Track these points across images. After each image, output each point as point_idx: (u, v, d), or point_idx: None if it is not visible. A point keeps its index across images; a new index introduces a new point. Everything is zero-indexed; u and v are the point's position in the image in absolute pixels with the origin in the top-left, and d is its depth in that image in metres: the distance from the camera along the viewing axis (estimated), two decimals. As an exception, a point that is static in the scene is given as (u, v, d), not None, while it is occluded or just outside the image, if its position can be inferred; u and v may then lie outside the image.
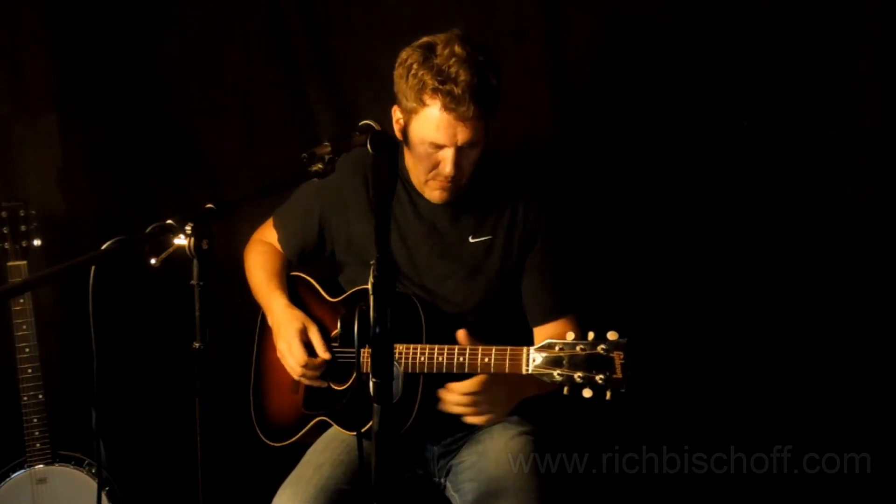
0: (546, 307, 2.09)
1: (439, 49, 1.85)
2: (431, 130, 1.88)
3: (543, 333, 2.07)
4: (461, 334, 1.90)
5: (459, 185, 1.98)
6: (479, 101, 1.83)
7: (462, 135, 1.87)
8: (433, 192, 2.00)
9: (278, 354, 2.17)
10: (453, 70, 1.82)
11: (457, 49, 1.84)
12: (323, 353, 2.11)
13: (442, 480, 2.15)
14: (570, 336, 1.73)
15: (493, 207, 2.08)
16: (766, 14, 2.39)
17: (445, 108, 1.83)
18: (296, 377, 2.15)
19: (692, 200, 2.50)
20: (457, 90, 1.81)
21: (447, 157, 1.90)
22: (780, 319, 2.47)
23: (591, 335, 1.71)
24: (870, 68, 2.33)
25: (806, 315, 2.46)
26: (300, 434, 2.19)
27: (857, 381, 2.41)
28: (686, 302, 2.53)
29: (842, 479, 2.35)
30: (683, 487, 2.45)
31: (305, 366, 2.10)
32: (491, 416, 1.96)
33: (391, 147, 1.57)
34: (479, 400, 1.92)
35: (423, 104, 1.86)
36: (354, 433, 2.04)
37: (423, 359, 1.92)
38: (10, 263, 2.38)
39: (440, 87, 1.82)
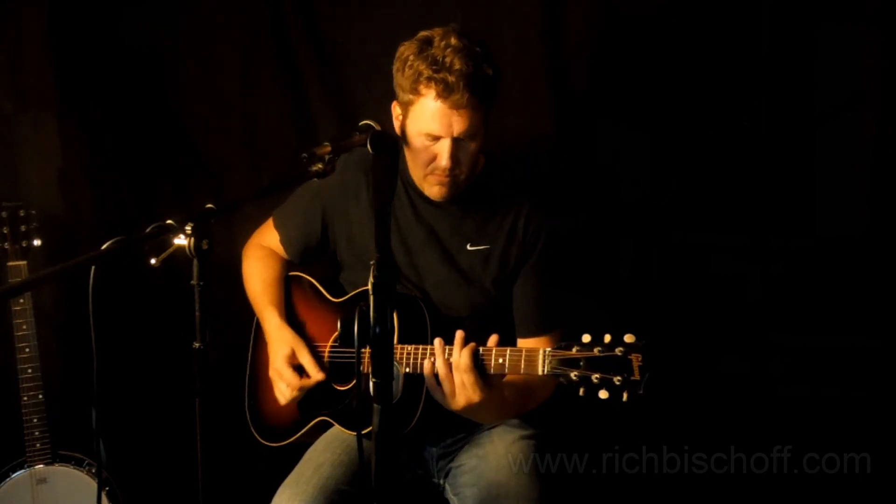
0: (533, 322, 2.06)
1: (436, 41, 1.86)
2: (427, 120, 1.87)
3: (527, 346, 2.02)
4: (493, 340, 1.82)
5: (458, 182, 1.97)
6: (473, 89, 1.82)
7: (457, 125, 1.86)
8: (432, 188, 1.99)
9: (271, 375, 2.17)
10: (448, 59, 1.82)
11: (453, 40, 1.84)
12: (316, 375, 2.10)
13: (441, 482, 2.15)
14: (587, 337, 1.70)
15: (494, 216, 2.06)
16: (766, 14, 2.39)
17: (439, 96, 1.83)
18: (282, 402, 2.14)
19: (692, 200, 2.50)
20: (450, 78, 1.81)
21: (443, 148, 1.89)
22: (780, 319, 2.47)
23: (607, 337, 1.67)
24: (869, 68, 2.33)
25: (806, 315, 2.45)
26: (300, 433, 2.19)
27: (857, 380, 2.41)
28: (686, 302, 2.53)
29: (842, 479, 2.35)
30: (683, 487, 2.45)
31: (300, 389, 2.10)
32: (449, 400, 1.82)
33: (391, 147, 1.56)
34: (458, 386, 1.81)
35: (419, 94, 1.86)
36: (355, 433, 2.04)
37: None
38: (10, 263, 2.38)
39: (434, 75, 1.82)
